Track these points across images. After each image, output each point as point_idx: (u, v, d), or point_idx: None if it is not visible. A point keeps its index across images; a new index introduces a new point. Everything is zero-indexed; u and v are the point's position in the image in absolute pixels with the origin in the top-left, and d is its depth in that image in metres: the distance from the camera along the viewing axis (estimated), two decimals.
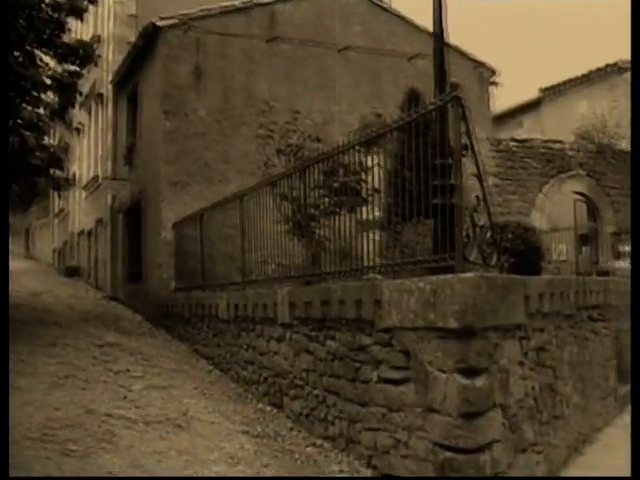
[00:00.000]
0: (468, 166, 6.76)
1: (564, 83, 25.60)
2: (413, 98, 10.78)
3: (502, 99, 39.23)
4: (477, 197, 6.62)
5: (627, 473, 7.81)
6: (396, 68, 19.16)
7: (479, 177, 6.69)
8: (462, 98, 6.43)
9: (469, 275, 5.84)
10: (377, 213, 8.41)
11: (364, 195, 9.01)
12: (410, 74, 18.37)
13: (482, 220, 6.70)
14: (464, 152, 6.46)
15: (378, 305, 6.90)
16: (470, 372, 5.79)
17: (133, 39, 19.43)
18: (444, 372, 5.93)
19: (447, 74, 7.97)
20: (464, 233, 6.25)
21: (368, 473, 7.11)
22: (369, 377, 7.16)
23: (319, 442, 8.22)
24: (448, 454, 5.88)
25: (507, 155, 19.20)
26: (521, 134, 23.49)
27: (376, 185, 8.30)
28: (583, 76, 24.91)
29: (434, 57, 8.12)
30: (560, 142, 20.80)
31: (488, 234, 6.85)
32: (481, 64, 20.64)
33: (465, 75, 18.96)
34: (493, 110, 24.44)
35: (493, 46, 57.69)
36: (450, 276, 5.92)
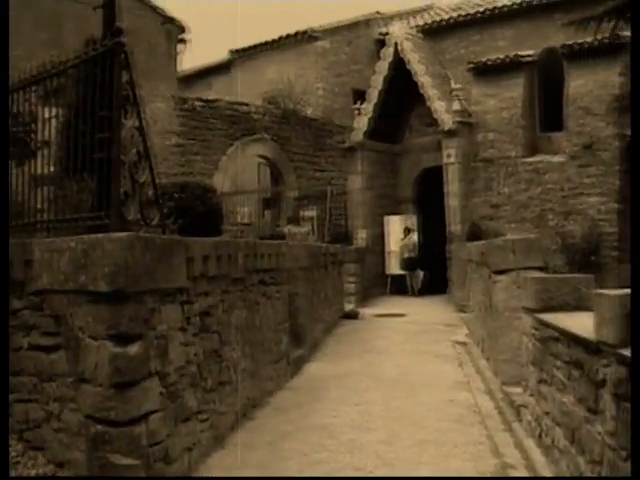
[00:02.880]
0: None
1: (254, 47, 25.73)
2: None
3: (196, 58, 38.91)
4: (138, 152, 6.17)
5: (286, 433, 7.88)
6: (80, 16, 18.07)
7: (141, 130, 6.24)
8: (125, 44, 5.95)
9: (122, 235, 5.41)
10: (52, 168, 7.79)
11: (33, 147, 8.30)
12: (94, 23, 17.42)
13: (144, 177, 6.28)
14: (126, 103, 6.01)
15: (29, 266, 6.30)
16: (123, 339, 5.40)
17: None
18: (95, 339, 5.49)
19: (119, 21, 7.42)
20: (122, 190, 5.80)
21: (19, 448, 6.53)
22: (20, 344, 6.55)
23: None
24: (100, 427, 5.48)
25: (192, 115, 18.97)
26: (210, 96, 23.38)
27: (52, 137, 7.66)
28: (273, 41, 25.17)
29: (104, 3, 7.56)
30: (246, 105, 20.94)
31: (150, 192, 6.44)
32: (170, 20, 20.05)
33: (152, 30, 18.41)
34: (184, 69, 24.08)
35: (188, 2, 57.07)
36: (101, 235, 5.45)
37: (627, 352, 4.06)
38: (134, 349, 5.44)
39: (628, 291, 4.49)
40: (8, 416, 5.08)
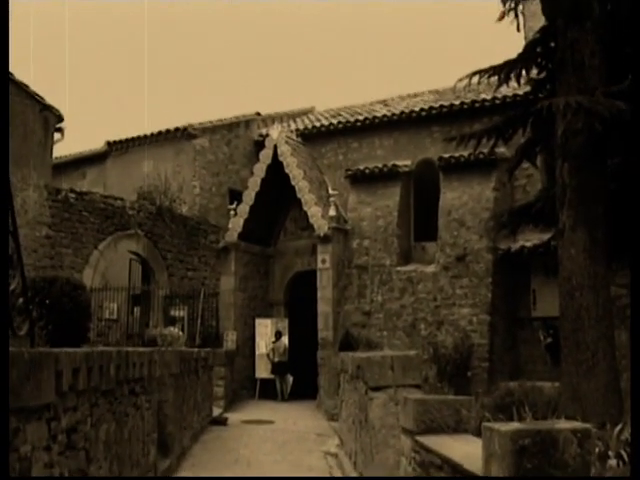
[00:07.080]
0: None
1: (131, 140, 25.31)
2: None
3: (70, 146, 38.23)
4: (10, 257, 5.76)
5: None
6: None
7: (14, 232, 5.84)
8: None
9: None
10: None
11: None
12: None
13: (14, 284, 5.86)
14: None
15: None
16: None
17: None
18: None
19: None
20: None
21: None
22: None
23: None
24: None
25: (65, 206, 18.34)
26: (84, 186, 22.86)
27: None
28: (152, 135, 24.85)
29: None
30: (121, 199, 20.50)
31: (20, 300, 6.01)
32: (48, 108, 19.50)
33: (29, 117, 17.92)
34: (57, 156, 23.47)
35: (67, 89, 56.53)
36: None
37: None
38: None
39: (518, 425, 4.40)
40: (8, 416, 4.55)
